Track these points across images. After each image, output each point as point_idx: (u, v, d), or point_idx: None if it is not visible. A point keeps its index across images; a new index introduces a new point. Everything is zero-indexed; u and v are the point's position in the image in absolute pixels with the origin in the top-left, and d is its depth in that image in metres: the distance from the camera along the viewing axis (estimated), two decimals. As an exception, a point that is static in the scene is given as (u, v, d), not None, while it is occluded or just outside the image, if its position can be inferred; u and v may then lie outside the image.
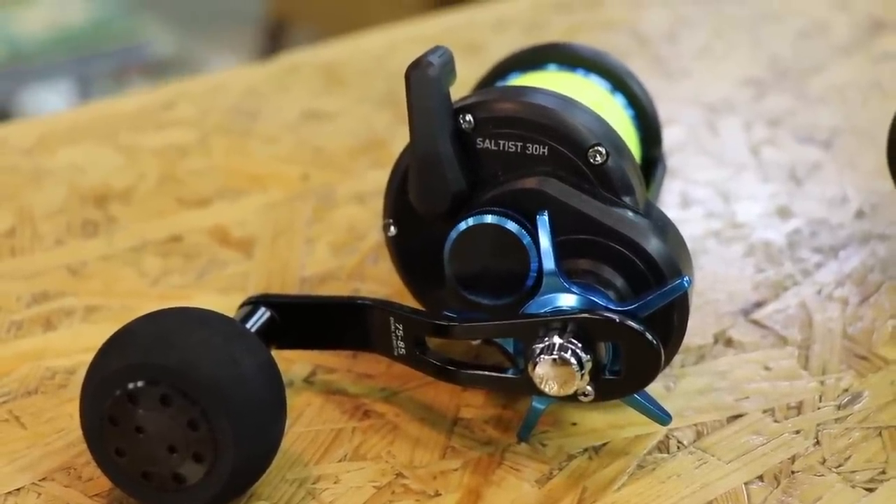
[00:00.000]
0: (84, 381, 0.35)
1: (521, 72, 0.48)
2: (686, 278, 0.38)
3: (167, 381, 0.34)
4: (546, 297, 0.38)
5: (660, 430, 0.40)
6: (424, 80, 0.39)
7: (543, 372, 0.36)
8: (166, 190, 0.55)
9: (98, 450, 0.36)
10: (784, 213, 0.54)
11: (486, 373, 0.39)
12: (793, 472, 0.38)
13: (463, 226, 0.39)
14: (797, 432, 0.40)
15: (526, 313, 0.38)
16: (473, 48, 0.71)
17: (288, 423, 0.40)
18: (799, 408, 0.41)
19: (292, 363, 0.43)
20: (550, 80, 0.47)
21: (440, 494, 0.38)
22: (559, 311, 0.37)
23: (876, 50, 0.73)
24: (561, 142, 0.39)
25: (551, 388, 0.36)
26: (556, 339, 0.36)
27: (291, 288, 0.48)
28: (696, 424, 0.41)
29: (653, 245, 0.38)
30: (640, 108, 0.48)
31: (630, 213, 0.39)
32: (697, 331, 0.46)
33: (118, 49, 2.07)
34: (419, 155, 0.40)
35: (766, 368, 0.44)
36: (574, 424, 0.41)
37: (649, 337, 0.36)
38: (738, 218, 0.54)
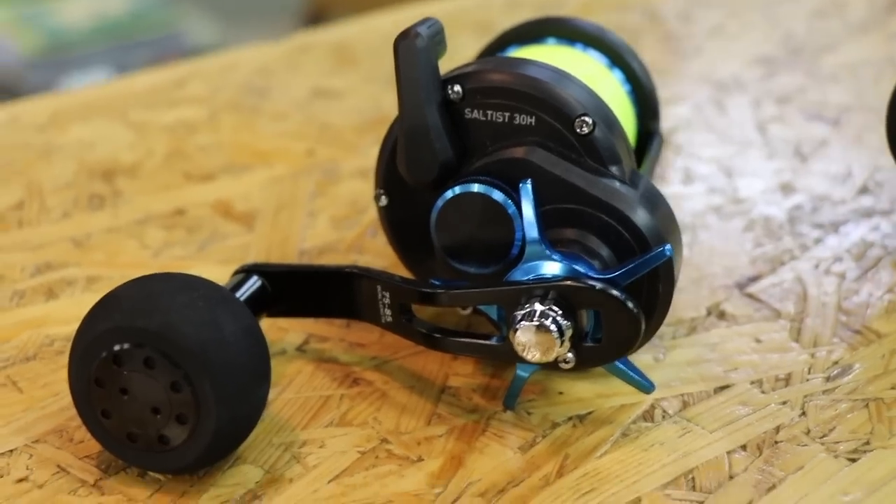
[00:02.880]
0: (72, 344, 0.36)
1: (520, 44, 0.48)
2: (668, 246, 0.38)
3: (150, 343, 0.35)
4: (529, 264, 0.38)
5: (646, 400, 0.41)
6: (412, 50, 0.39)
7: (524, 338, 0.36)
8: (173, 165, 0.56)
9: (86, 411, 0.36)
10: (787, 188, 0.54)
11: (471, 340, 0.39)
12: (776, 443, 0.38)
13: (449, 194, 0.39)
14: (784, 403, 0.40)
15: (508, 280, 0.38)
16: (484, 28, 0.71)
17: (278, 389, 0.41)
18: (787, 379, 0.41)
19: (286, 332, 0.44)
20: (547, 53, 0.47)
21: (423, 460, 0.38)
22: (540, 279, 0.37)
23: (892, 28, 0.72)
24: (548, 112, 0.39)
25: (532, 354, 0.37)
26: (537, 307, 0.36)
27: (290, 259, 0.49)
28: (682, 395, 0.41)
29: (638, 215, 0.39)
30: (637, 84, 0.48)
31: (616, 183, 0.39)
32: (691, 303, 0.46)
33: (157, 38, 2.10)
34: (407, 125, 0.40)
35: (758, 341, 0.44)
36: (560, 394, 0.41)
37: (629, 304, 0.36)
38: (740, 194, 0.54)
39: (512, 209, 0.39)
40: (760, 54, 0.69)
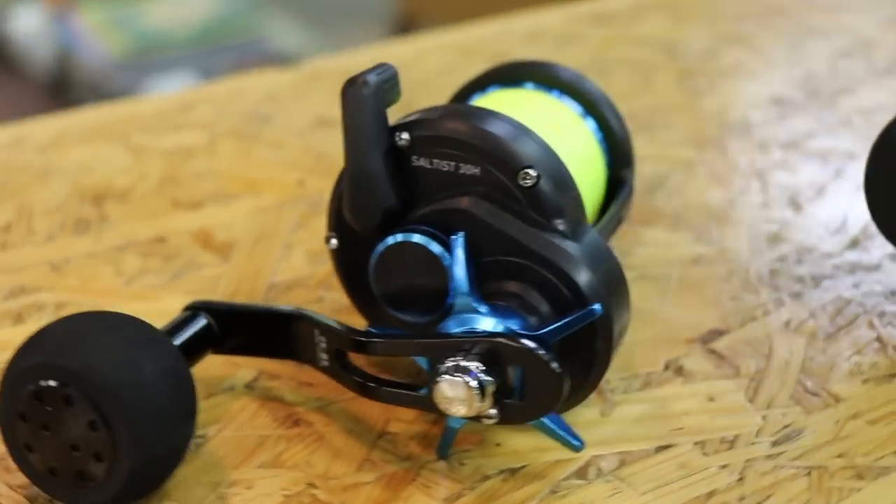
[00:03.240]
0: (1, 377, 0.37)
1: (500, 86, 0.48)
2: (597, 305, 0.37)
3: (70, 381, 0.35)
4: (463, 316, 0.38)
5: (582, 457, 0.40)
6: (358, 97, 0.39)
7: (443, 392, 0.36)
8: (164, 191, 0.57)
9: (12, 444, 0.37)
10: (775, 239, 0.53)
11: (400, 391, 0.39)
12: (706, 509, 0.38)
13: (388, 242, 0.40)
14: (724, 467, 0.40)
15: (435, 333, 0.38)
16: (502, 58, 0.71)
17: (219, 426, 0.42)
18: (733, 442, 0.41)
19: (239, 367, 0.44)
20: (518, 100, 0.47)
21: (345, 508, 0.38)
22: (467, 333, 0.37)
23: (918, 73, 0.71)
24: (492, 163, 0.39)
25: (452, 409, 0.36)
26: (460, 361, 0.36)
27: (258, 293, 0.49)
28: (621, 452, 0.40)
29: (576, 270, 0.38)
30: (609, 132, 0.47)
31: (557, 238, 0.39)
32: (650, 357, 0.45)
33: (241, 43, 2.13)
34: (351, 171, 0.40)
35: (711, 399, 0.43)
36: (498, 445, 0.41)
37: (551, 364, 0.36)
38: (726, 243, 0.53)
39: (447, 260, 0.39)
40: (776, 94, 0.67)
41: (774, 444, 0.41)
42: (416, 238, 0.39)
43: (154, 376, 0.36)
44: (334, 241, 0.43)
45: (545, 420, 0.38)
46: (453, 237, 0.38)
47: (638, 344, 0.46)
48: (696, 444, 0.41)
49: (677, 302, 0.49)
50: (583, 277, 0.38)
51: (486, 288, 0.39)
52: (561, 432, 0.39)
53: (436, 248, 0.39)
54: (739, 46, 0.75)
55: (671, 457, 0.40)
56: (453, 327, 0.38)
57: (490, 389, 0.36)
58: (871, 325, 0.47)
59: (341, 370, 0.40)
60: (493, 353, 0.36)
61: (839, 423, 0.42)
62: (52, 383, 0.35)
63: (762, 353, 0.45)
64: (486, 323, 0.38)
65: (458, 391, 0.36)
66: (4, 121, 0.65)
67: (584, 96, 0.47)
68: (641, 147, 0.61)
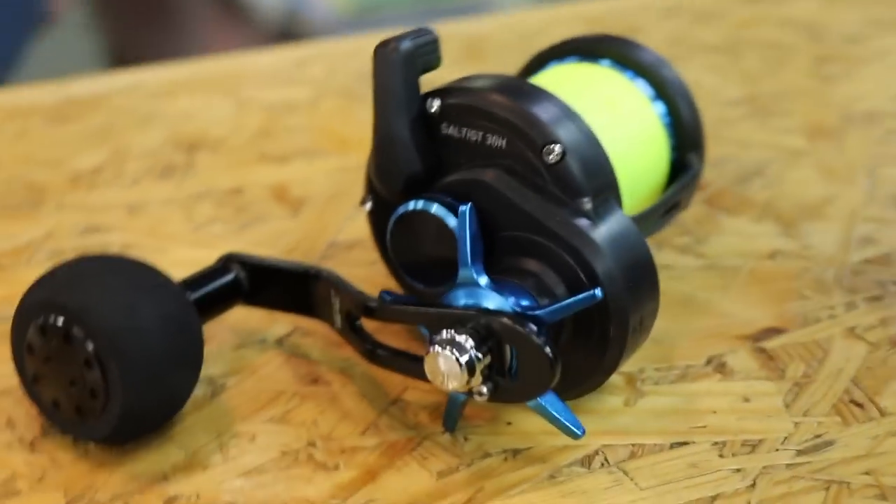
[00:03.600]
0: (15, 310, 0.38)
1: (579, 57, 0.46)
2: (598, 289, 0.36)
3: (69, 319, 0.36)
4: (469, 290, 0.37)
5: (591, 444, 0.39)
6: (387, 60, 0.39)
7: (431, 364, 0.36)
8: (255, 144, 0.58)
9: (22, 374, 0.38)
10: (866, 240, 0.50)
11: (401, 359, 0.38)
12: (706, 512, 0.36)
13: (402, 209, 0.39)
14: (737, 471, 0.37)
15: (434, 303, 0.37)
16: (632, 33, 0.69)
17: (240, 377, 0.42)
18: (755, 446, 0.38)
19: (275, 322, 0.45)
20: (586, 75, 0.45)
21: (338, 469, 0.38)
22: (463, 307, 0.36)
23: None
24: (518, 136, 0.38)
25: (439, 381, 0.36)
26: (453, 335, 0.36)
27: (316, 250, 0.49)
28: (633, 444, 0.39)
29: (593, 252, 0.37)
30: (677, 117, 0.45)
31: (578, 218, 0.37)
32: (693, 350, 0.43)
33: (463, 5, 2.14)
34: (378, 134, 0.40)
35: (746, 400, 0.41)
36: (509, 424, 0.40)
37: (541, 345, 0.35)
38: (813, 239, 0.50)
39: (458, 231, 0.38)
40: (915, 87, 0.63)
41: (799, 453, 0.38)
42: (430, 206, 0.38)
43: (152, 322, 0.37)
44: (369, 204, 0.42)
45: (543, 403, 0.37)
46: (461, 207, 0.37)
47: (685, 335, 0.44)
48: (714, 444, 0.39)
49: (740, 296, 0.46)
50: (599, 260, 0.37)
51: (504, 263, 0.38)
52: (560, 417, 0.37)
53: (451, 219, 0.38)
54: (891, 34, 0.70)
55: (684, 454, 0.38)
56: (460, 299, 0.37)
57: (479, 366, 0.35)
58: (944, 339, 0.43)
59: (351, 332, 0.40)
60: (487, 329, 0.36)
61: (877, 439, 0.39)
62: (53, 319, 0.36)
63: (816, 357, 0.43)
64: (492, 298, 0.37)
65: (445, 364, 0.35)
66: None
67: (656, 79, 0.45)
68: (749, 133, 0.58)
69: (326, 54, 0.68)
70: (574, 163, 0.38)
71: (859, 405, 0.40)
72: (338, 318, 0.40)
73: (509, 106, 0.38)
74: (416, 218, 0.39)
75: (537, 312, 0.36)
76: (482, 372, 0.36)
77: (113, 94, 0.64)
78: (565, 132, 0.38)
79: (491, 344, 0.36)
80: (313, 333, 0.44)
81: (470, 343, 0.35)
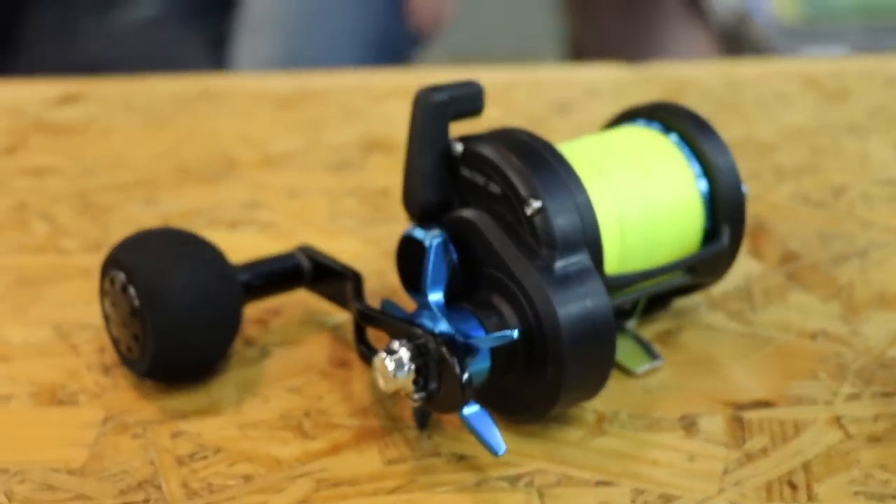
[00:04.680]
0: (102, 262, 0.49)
1: (645, 122, 0.50)
2: (513, 331, 0.41)
3: (125, 275, 0.46)
4: (429, 311, 0.44)
5: (528, 466, 0.43)
6: (421, 104, 0.46)
7: (377, 363, 0.42)
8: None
9: (102, 308, 0.49)
10: (921, 332, 0.50)
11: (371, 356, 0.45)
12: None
13: (405, 233, 0.46)
14: (636, 520, 0.41)
15: (397, 317, 0.44)
16: (842, 94, 0.70)
17: (286, 348, 0.50)
18: (668, 501, 0.42)
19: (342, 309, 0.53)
20: (635, 140, 0.49)
21: (314, 439, 0.45)
22: (409, 323, 0.43)
23: None
24: (509, 187, 0.44)
25: (377, 379, 0.42)
26: (396, 345, 0.42)
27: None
28: (564, 475, 0.43)
29: (540, 299, 0.42)
30: (714, 183, 0.48)
31: (542, 268, 0.42)
32: (673, 404, 0.46)
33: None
34: (406, 165, 0.47)
35: (690, 459, 0.44)
36: (472, 433, 0.45)
37: (452, 363, 0.41)
38: (866, 327, 0.50)
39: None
40: None
41: (706, 520, 0.41)
42: (418, 234, 0.45)
43: (187, 290, 0.46)
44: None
45: (467, 418, 0.42)
46: (428, 241, 0.44)
47: (678, 391, 0.47)
48: (634, 490, 0.42)
49: (755, 366, 0.49)
50: (547, 309, 0.42)
51: (481, 295, 0.44)
52: (483, 434, 0.43)
53: (431, 243, 0.44)
54: None
55: (600, 493, 0.42)
56: (422, 318, 0.44)
57: (406, 375, 0.42)
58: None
59: (356, 333, 0.47)
60: (424, 346, 0.42)
61: (786, 522, 0.41)
62: (117, 273, 0.46)
63: (786, 435, 0.45)
64: (441, 321, 0.43)
65: (381, 367, 0.42)
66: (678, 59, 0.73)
67: (696, 147, 0.48)
68: (881, 215, 0.59)
69: (529, 82, 0.74)
70: (551, 219, 0.43)
71: (793, 487, 0.42)
72: (352, 315, 0.48)
73: (510, 161, 0.44)
74: (412, 241, 0.45)
75: (470, 341, 0.42)
76: (414, 381, 0.42)
77: (338, 90, 0.74)
78: (550, 192, 0.43)
79: (425, 359, 0.42)
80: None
81: (406, 355, 0.42)
